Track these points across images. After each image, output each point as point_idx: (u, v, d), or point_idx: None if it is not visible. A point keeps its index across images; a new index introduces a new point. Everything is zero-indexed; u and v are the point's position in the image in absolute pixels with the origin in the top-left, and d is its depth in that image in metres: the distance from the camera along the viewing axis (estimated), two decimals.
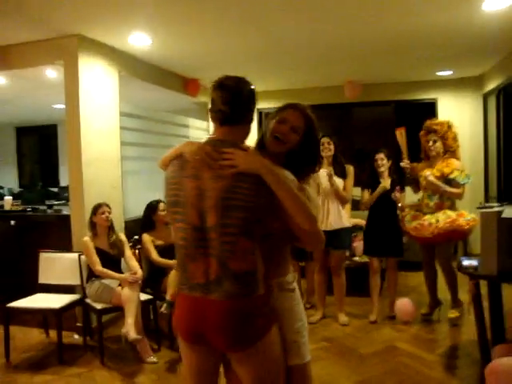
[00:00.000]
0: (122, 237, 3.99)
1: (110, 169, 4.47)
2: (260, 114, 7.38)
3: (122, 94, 4.67)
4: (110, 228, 3.91)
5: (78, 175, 4.09)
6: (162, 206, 4.09)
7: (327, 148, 4.21)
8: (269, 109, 7.29)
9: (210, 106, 1.69)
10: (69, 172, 4.19)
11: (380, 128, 6.87)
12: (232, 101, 1.62)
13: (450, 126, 4.14)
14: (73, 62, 4.02)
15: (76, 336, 4.11)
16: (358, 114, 7.22)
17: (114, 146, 4.54)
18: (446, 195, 4.08)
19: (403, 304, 4.27)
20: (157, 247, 4.09)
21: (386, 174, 4.31)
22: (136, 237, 4.30)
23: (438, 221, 3.98)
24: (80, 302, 3.86)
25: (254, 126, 7.24)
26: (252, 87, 1.69)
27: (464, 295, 3.92)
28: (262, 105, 7.25)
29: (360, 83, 6.36)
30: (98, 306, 3.65)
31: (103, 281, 3.75)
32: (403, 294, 4.76)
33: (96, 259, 3.73)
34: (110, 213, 3.88)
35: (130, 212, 4.77)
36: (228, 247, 1.56)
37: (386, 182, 4.25)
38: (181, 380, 3.27)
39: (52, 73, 4.44)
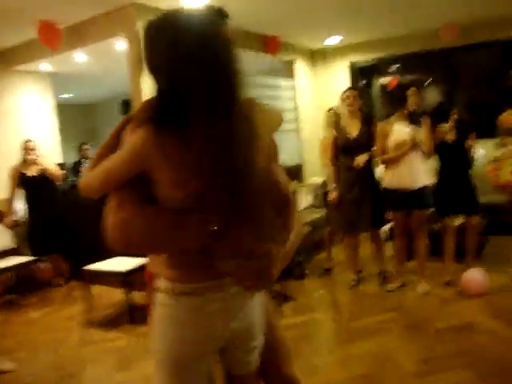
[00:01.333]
0: None
1: None
2: (353, 67, 6.89)
3: None
4: None
5: None
6: None
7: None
8: (361, 62, 6.82)
9: None
10: None
11: (485, 75, 6.02)
12: None
13: None
14: (133, 31, 4.07)
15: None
16: (458, 60, 6.36)
17: None
18: None
19: (471, 277, 3.79)
20: None
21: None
22: None
23: None
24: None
25: (346, 79, 6.83)
26: None
27: None
28: (354, 58, 6.81)
29: (458, 24, 5.56)
30: None
31: None
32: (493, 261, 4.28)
33: None
34: None
35: None
36: None
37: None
38: None
39: (122, 45, 4.55)
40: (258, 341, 1.39)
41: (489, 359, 2.80)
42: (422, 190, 3.84)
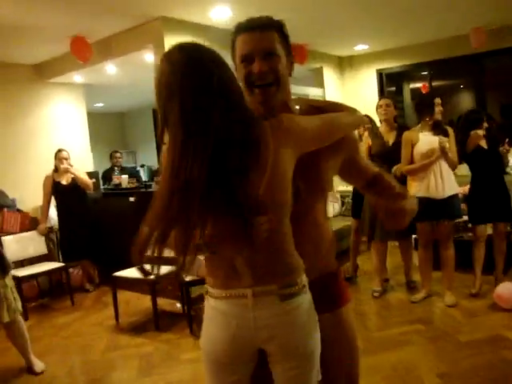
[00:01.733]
0: None
1: None
2: (380, 74, 6.84)
3: None
4: None
5: None
6: None
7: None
8: (388, 69, 6.77)
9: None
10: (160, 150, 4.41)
11: None
12: None
13: None
14: (160, 43, 4.18)
15: (178, 305, 4.40)
16: (490, 64, 6.23)
17: None
18: None
19: (506, 290, 3.68)
20: None
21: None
22: None
23: None
24: (176, 274, 4.10)
25: (374, 86, 6.79)
26: None
27: None
28: (381, 65, 6.77)
29: (486, 29, 5.44)
30: (187, 278, 3.84)
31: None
32: None
33: None
34: None
35: None
36: None
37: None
38: None
39: (150, 56, 4.67)
40: (298, 363, 1.29)
41: (509, 375, 2.74)
42: (451, 199, 3.78)
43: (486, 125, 3.87)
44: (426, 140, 3.76)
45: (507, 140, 3.81)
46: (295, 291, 1.26)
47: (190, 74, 1.14)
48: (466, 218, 4.70)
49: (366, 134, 4.28)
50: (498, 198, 3.89)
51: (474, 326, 3.46)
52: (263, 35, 1.30)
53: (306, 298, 1.30)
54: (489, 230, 4.14)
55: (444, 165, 3.75)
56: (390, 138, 4.09)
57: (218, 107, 1.14)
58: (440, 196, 3.74)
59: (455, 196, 3.82)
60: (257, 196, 1.16)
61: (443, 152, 3.67)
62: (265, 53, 1.30)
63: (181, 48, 1.18)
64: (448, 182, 3.76)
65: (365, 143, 4.23)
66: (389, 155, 4.00)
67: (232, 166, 1.14)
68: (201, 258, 4.12)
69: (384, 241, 4.20)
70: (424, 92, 6.65)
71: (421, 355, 3.09)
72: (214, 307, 1.32)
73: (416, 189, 3.84)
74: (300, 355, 1.29)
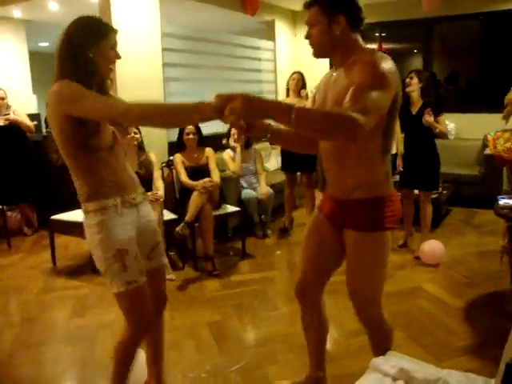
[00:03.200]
0: (152, 157, 4.07)
1: (151, 90, 4.51)
2: None
3: (173, 15, 4.61)
4: (140, 148, 4.00)
5: None
6: (188, 129, 4.07)
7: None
8: None
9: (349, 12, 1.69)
10: None
11: (466, 46, 6.03)
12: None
13: None
14: None
15: None
16: (440, 30, 6.35)
17: (156, 67, 4.56)
18: None
19: (432, 248, 3.93)
20: (186, 168, 4.14)
21: (415, 96, 3.92)
22: (171, 158, 4.40)
23: None
24: None
25: None
26: None
27: None
28: None
29: None
30: None
31: None
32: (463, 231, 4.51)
33: None
34: (136, 133, 3.95)
35: (174, 134, 4.84)
36: None
37: (414, 106, 3.87)
38: (187, 299, 3.42)
39: None
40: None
41: (423, 322, 2.97)
42: None
43: (419, 85, 3.91)
44: None
45: (428, 109, 3.82)
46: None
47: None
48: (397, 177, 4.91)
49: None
50: (423, 166, 3.99)
51: (398, 278, 3.70)
52: (308, 12, 1.72)
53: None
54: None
55: None
56: None
57: None
58: None
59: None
60: None
61: None
62: (308, 25, 1.73)
63: None
64: None
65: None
66: None
67: None
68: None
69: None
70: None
71: (344, 303, 3.27)
72: None
73: None
74: None
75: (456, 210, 5.39)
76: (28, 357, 2.69)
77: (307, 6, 1.72)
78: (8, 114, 4.78)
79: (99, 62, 1.73)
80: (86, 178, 1.77)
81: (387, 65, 1.57)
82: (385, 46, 6.75)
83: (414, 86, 3.91)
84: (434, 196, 4.37)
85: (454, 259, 4.03)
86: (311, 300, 2.11)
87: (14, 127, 4.84)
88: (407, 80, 3.91)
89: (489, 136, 3.98)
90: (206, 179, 3.97)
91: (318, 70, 3.90)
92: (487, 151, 4.12)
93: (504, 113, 3.95)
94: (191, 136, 4.07)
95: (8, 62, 5.61)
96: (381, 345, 1.94)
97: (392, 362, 1.59)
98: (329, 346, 2.70)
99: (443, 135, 3.85)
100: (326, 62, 4.47)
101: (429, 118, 3.74)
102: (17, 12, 5.24)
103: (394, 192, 1.81)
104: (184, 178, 4.08)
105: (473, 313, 3.09)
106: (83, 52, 1.70)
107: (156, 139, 4.49)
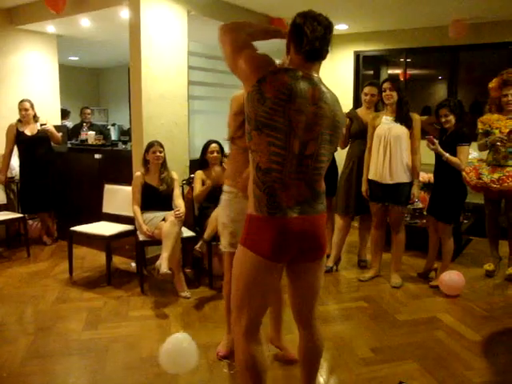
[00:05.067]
0: (174, 175, 4.11)
1: (175, 107, 4.58)
2: (357, 56, 6.86)
3: (198, 33, 4.70)
4: (162, 165, 4.05)
5: (138, 112, 4.28)
6: (212, 147, 4.10)
7: (389, 94, 3.82)
8: (367, 51, 6.79)
9: (293, 38, 1.77)
10: (131, 109, 4.39)
11: (492, 75, 5.95)
12: (324, 36, 1.74)
13: None
14: (135, 0, 4.10)
15: (133, 264, 4.45)
16: (467, 58, 6.31)
17: (181, 85, 4.63)
18: None
19: (451, 278, 3.84)
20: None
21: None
22: (193, 175, 4.43)
23: None
24: (132, 233, 4.13)
25: (351, 69, 6.82)
26: None
27: None
28: (359, 47, 6.78)
29: (467, 22, 5.50)
30: (140, 238, 3.88)
31: (151, 214, 3.92)
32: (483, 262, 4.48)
33: (137, 196, 3.93)
34: (161, 152, 4.00)
35: (196, 151, 4.88)
36: (318, 172, 1.81)
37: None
38: (201, 317, 3.41)
39: (125, 13, 4.57)
40: None
41: (439, 354, 2.90)
42: (399, 186, 3.85)
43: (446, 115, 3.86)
44: (384, 124, 3.85)
45: (429, 137, 3.78)
46: None
47: None
48: (421, 205, 4.87)
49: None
50: (446, 197, 3.89)
51: (414, 307, 3.63)
52: None
53: None
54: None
55: (396, 152, 3.79)
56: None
57: None
58: (385, 181, 3.84)
59: (404, 184, 3.86)
60: None
61: (395, 137, 3.79)
62: None
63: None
64: (396, 169, 3.81)
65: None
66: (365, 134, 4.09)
67: None
68: (158, 220, 4.15)
69: (347, 217, 4.34)
70: (402, 79, 6.71)
71: (359, 330, 3.23)
72: None
73: (370, 171, 3.98)
74: None
75: (477, 240, 5.29)
76: (39, 366, 2.70)
77: None
78: (43, 124, 4.92)
79: None
80: None
81: None
82: (410, 71, 6.76)
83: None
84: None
85: (473, 291, 3.95)
86: None
87: (40, 137, 4.96)
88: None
89: (467, 168, 3.99)
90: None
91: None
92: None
93: (485, 142, 4.03)
94: (215, 154, 4.10)
95: (39, 74, 5.76)
96: None
97: None
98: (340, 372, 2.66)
99: (456, 166, 3.76)
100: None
101: (432, 146, 3.72)
102: (50, 27, 5.40)
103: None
104: (196, 192, 4.09)
105: (491, 348, 3.00)
106: None
107: (178, 157, 4.54)
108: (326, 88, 1.81)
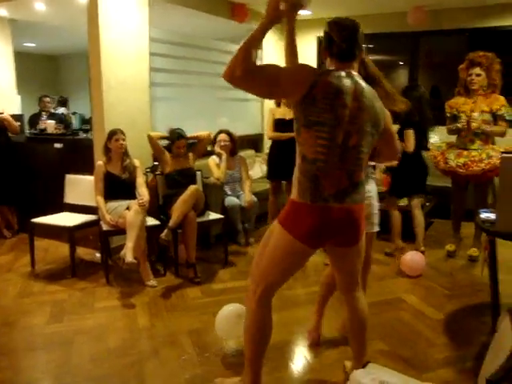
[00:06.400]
0: (136, 163, 4.04)
1: (137, 94, 4.48)
2: (320, 42, 6.87)
3: (161, 20, 4.60)
4: (124, 153, 3.98)
5: (98, 100, 4.17)
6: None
7: None
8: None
9: (326, 45, 1.96)
10: (91, 96, 4.27)
11: (451, 61, 6.10)
12: (350, 38, 1.94)
13: (494, 59, 3.83)
14: None
15: (97, 254, 4.36)
16: (427, 44, 6.44)
17: (143, 71, 4.53)
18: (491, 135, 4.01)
19: (412, 259, 3.97)
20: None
21: None
22: (156, 163, 4.37)
23: (490, 156, 3.88)
24: (96, 223, 4.04)
25: (314, 54, 6.84)
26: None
27: None
28: (320, 32, 6.79)
29: (426, 9, 5.59)
30: (104, 227, 3.81)
31: (115, 203, 3.85)
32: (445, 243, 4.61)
33: (99, 186, 3.87)
34: (124, 140, 3.94)
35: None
36: (358, 163, 1.93)
37: None
38: (168, 306, 3.38)
39: None
40: None
41: (403, 333, 2.98)
42: None
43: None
44: None
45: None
46: None
47: None
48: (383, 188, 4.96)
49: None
50: (413, 174, 4.24)
51: (378, 289, 3.71)
52: None
53: None
54: (405, 201, 4.46)
55: None
56: None
57: None
58: None
59: None
60: None
61: None
62: None
63: None
64: None
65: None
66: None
67: None
68: (122, 209, 4.08)
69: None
70: None
71: (326, 313, 3.26)
72: None
73: None
74: None
75: (438, 221, 5.44)
76: (4, 363, 2.62)
77: None
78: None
79: None
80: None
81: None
82: (371, 57, 6.82)
83: None
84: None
85: (436, 271, 4.07)
86: None
87: None
88: None
89: (436, 153, 4.18)
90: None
91: None
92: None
93: (452, 127, 4.15)
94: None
95: None
96: None
97: (372, 374, 1.59)
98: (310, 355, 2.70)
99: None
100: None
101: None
102: (2, 11, 5.17)
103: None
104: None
105: (453, 325, 3.11)
106: None
107: (141, 145, 4.44)
108: (365, 84, 1.94)
